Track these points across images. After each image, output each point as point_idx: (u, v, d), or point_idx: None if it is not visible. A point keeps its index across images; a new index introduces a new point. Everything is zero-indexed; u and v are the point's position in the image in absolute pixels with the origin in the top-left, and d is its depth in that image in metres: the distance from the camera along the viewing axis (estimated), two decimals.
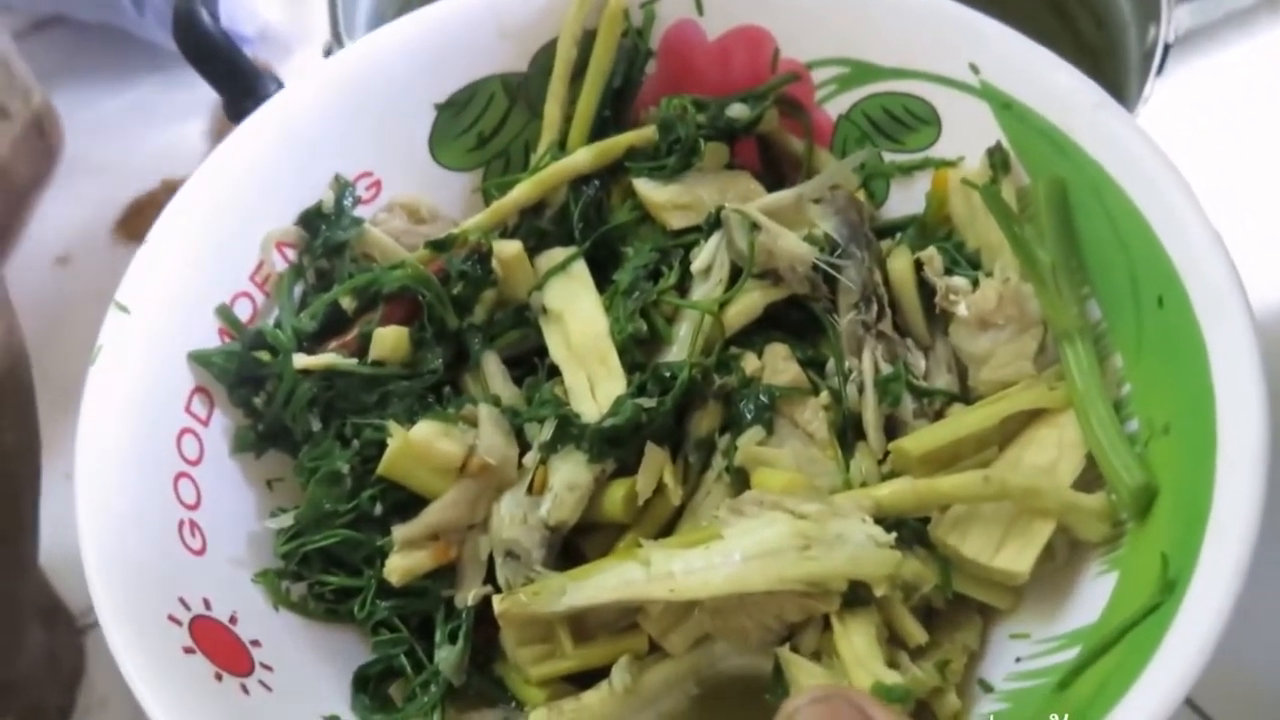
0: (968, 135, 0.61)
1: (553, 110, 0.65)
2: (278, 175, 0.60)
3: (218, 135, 1.02)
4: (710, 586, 0.50)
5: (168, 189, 0.95)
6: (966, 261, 0.60)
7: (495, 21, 0.64)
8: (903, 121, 0.63)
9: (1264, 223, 0.92)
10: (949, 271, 0.59)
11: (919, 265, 0.60)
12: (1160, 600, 0.47)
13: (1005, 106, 0.59)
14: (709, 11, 0.64)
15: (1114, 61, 0.80)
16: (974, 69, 0.60)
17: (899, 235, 0.63)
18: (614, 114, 0.65)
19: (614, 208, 0.64)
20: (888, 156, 0.64)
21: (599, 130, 0.65)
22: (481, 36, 0.64)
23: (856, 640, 0.50)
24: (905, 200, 0.64)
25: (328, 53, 0.77)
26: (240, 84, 0.69)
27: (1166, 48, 0.74)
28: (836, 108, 0.65)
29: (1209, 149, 0.75)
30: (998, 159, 0.59)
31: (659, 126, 0.63)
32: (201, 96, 1.00)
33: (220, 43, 0.67)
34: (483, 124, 0.65)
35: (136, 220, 1.01)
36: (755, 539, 0.51)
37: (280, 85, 0.69)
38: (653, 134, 0.63)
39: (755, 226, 0.59)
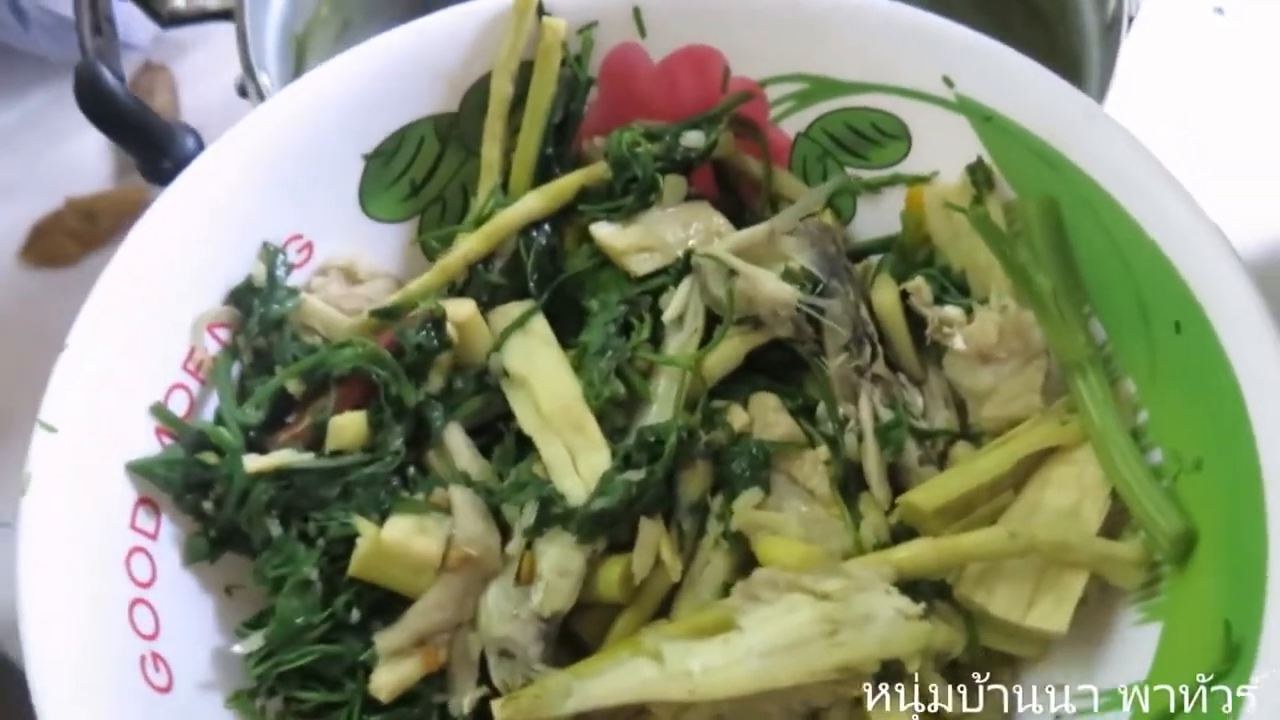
0: (940, 150, 0.56)
1: (491, 151, 0.58)
2: (202, 251, 0.53)
3: (120, 150, 0.92)
4: (734, 685, 0.45)
5: (73, 209, 0.89)
6: (954, 286, 0.55)
7: (421, 62, 0.57)
8: (867, 137, 0.58)
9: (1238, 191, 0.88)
10: (939, 300, 0.54)
11: (904, 294, 0.54)
12: (1226, 668, 0.42)
13: (986, 120, 0.54)
14: (651, 33, 0.58)
15: (1066, 29, 0.75)
16: (948, 82, 0.54)
17: (878, 260, 0.57)
18: (556, 150, 0.58)
19: (569, 253, 0.57)
20: (852, 173, 0.58)
21: (543, 169, 0.58)
22: (407, 79, 0.57)
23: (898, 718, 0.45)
24: (874, 218, 0.59)
25: (241, 90, 0.68)
26: (154, 144, 0.61)
27: (1130, 20, 0.68)
28: (794, 125, 0.59)
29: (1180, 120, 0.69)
30: (981, 176, 0.54)
31: (612, 163, 0.56)
32: None
33: (128, 104, 0.59)
34: (414, 170, 0.58)
35: (43, 243, 0.91)
36: (778, 629, 0.45)
37: (196, 137, 0.62)
38: (604, 171, 0.56)
39: (731, 272, 0.52)
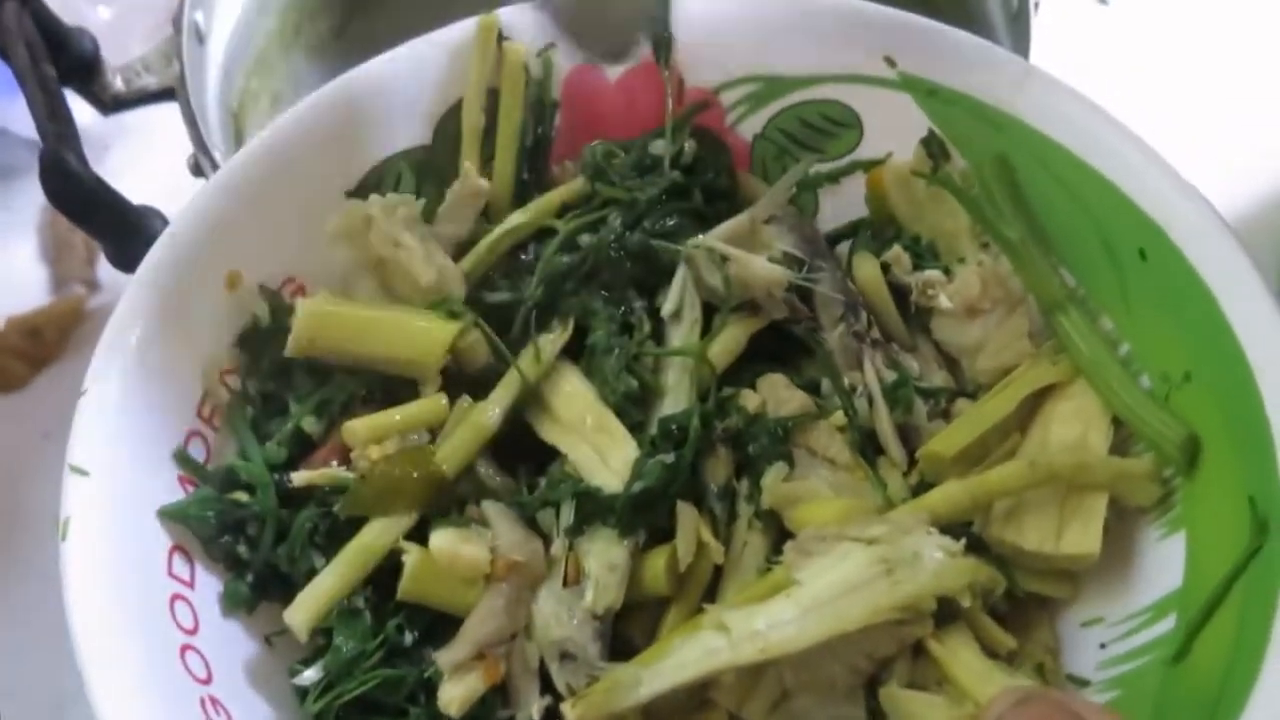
0: (891, 131, 0.57)
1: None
2: (200, 294, 0.52)
3: (54, 259, 0.88)
4: (807, 635, 0.44)
5: (15, 329, 0.84)
6: (927, 254, 0.56)
7: (392, 95, 0.56)
8: (821, 130, 0.59)
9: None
10: (917, 267, 0.55)
11: (885, 268, 0.55)
12: (1259, 543, 0.44)
13: (930, 94, 0.56)
14: None
15: (964, 16, 0.76)
16: (890, 62, 0.56)
17: (850, 243, 0.58)
18: (531, 175, 0.58)
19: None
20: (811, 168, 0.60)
21: (520, 194, 0.58)
22: (380, 114, 0.56)
23: (965, 656, 0.46)
24: (837, 208, 0.60)
25: (195, 168, 0.67)
26: (124, 229, 0.59)
27: (1036, 6, 0.71)
28: (750, 128, 0.60)
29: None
30: (935, 147, 0.56)
31: (588, 176, 0.56)
32: (25, 214, 0.90)
33: (95, 189, 0.57)
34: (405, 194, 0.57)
35: None
36: (837, 575, 0.45)
37: (164, 219, 0.60)
38: (582, 185, 0.56)
39: (723, 259, 0.53)
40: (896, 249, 0.55)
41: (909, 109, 0.56)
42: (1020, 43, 0.72)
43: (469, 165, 0.56)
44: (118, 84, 0.71)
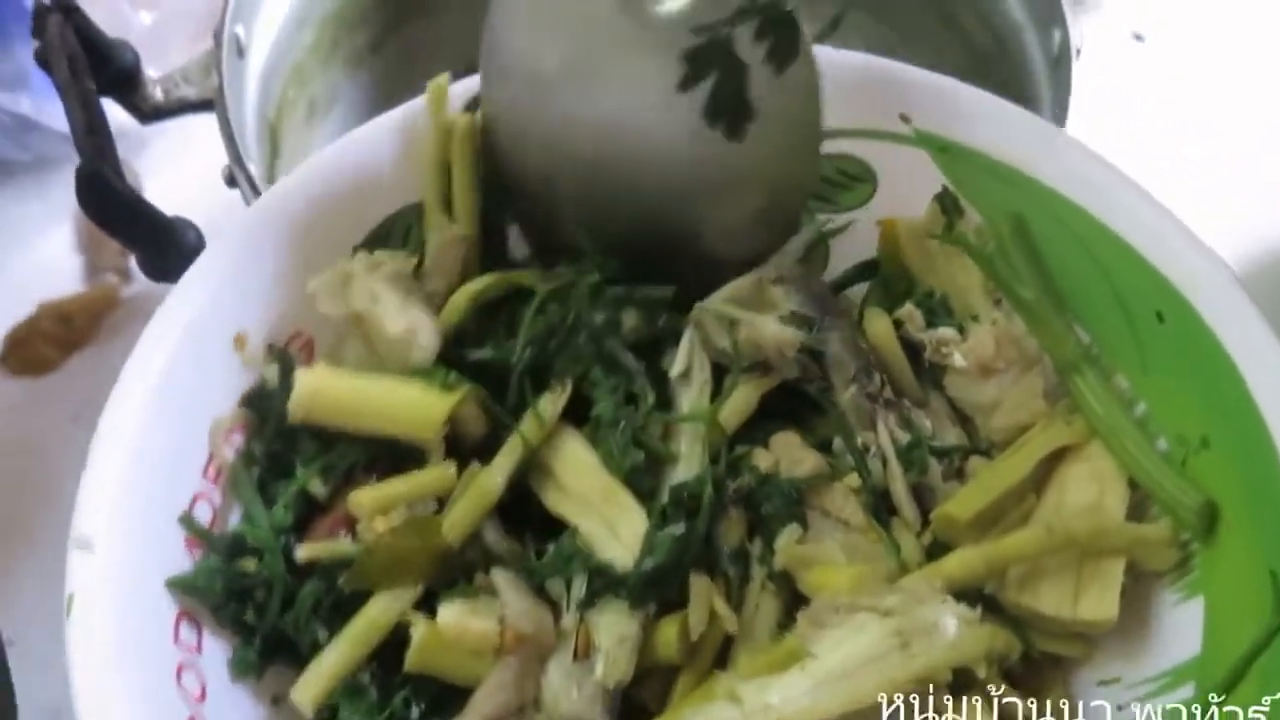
0: (906, 185, 0.57)
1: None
2: (209, 355, 0.51)
3: (88, 249, 0.89)
4: (820, 709, 0.44)
5: (48, 314, 0.85)
6: (940, 310, 0.55)
7: (402, 150, 0.55)
8: (835, 182, 0.58)
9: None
10: (930, 324, 0.54)
11: (897, 324, 0.55)
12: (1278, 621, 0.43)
13: (943, 150, 0.55)
14: None
15: (1009, 65, 0.77)
16: (905, 119, 0.56)
17: (862, 294, 0.58)
18: (493, 238, 0.57)
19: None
20: (823, 218, 0.59)
21: (487, 256, 0.57)
22: (391, 166, 0.55)
23: None
24: (846, 253, 0.59)
25: (230, 180, 0.67)
26: (157, 241, 0.59)
27: (1078, 52, 0.70)
28: None
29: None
30: (949, 203, 0.55)
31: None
32: (60, 204, 0.91)
33: (130, 202, 0.57)
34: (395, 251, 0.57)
35: (20, 354, 0.86)
36: (852, 649, 0.45)
37: (196, 231, 0.60)
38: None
39: (732, 322, 0.52)
40: (909, 307, 0.54)
41: (924, 164, 0.56)
42: (1060, 88, 0.72)
43: (439, 216, 0.55)
44: (157, 95, 0.71)
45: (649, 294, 0.53)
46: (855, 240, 0.59)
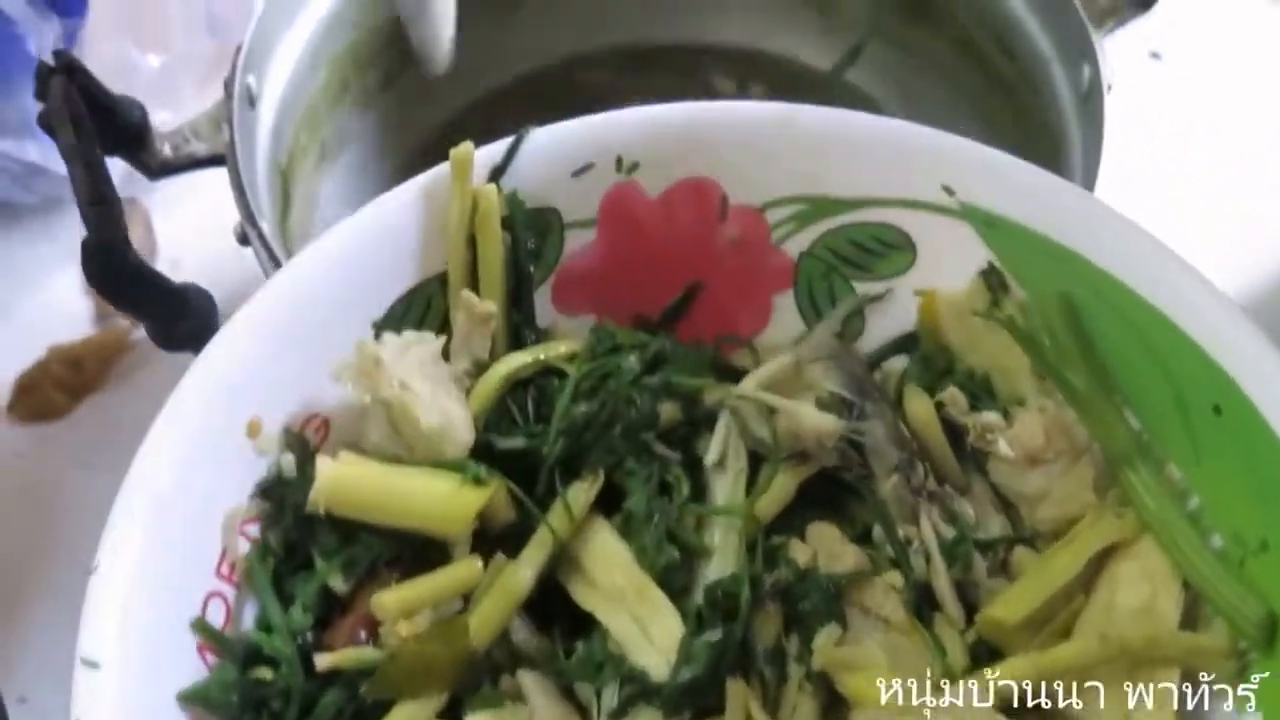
0: (948, 256, 0.55)
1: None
2: (223, 445, 0.49)
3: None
4: None
5: (57, 358, 0.83)
6: (983, 391, 0.53)
7: (423, 221, 0.53)
8: (872, 250, 0.56)
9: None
10: (973, 407, 0.52)
11: (938, 405, 0.53)
12: None
13: (989, 224, 0.53)
14: (646, 170, 0.55)
15: (1037, 98, 0.75)
16: (948, 190, 0.53)
17: (900, 370, 0.55)
18: (520, 313, 0.55)
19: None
20: (859, 287, 0.57)
21: (515, 335, 0.55)
22: (411, 239, 0.53)
23: None
24: (883, 324, 0.57)
25: (242, 238, 0.65)
26: (168, 311, 0.57)
27: (1109, 88, 0.68)
28: (796, 245, 0.57)
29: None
30: (994, 280, 0.53)
31: (595, 339, 0.54)
32: (68, 246, 0.89)
33: (139, 274, 0.55)
34: (425, 330, 0.54)
35: (29, 400, 0.85)
36: None
37: (208, 297, 0.57)
38: (579, 346, 0.54)
39: (770, 409, 0.50)
40: (952, 390, 0.52)
41: (967, 237, 0.54)
42: (1092, 126, 0.70)
43: (467, 293, 0.53)
44: (166, 151, 0.69)
45: (689, 384, 0.51)
46: (892, 310, 0.57)
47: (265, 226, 0.66)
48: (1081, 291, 0.51)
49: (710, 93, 0.94)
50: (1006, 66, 0.80)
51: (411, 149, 0.88)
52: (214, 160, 0.68)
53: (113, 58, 0.88)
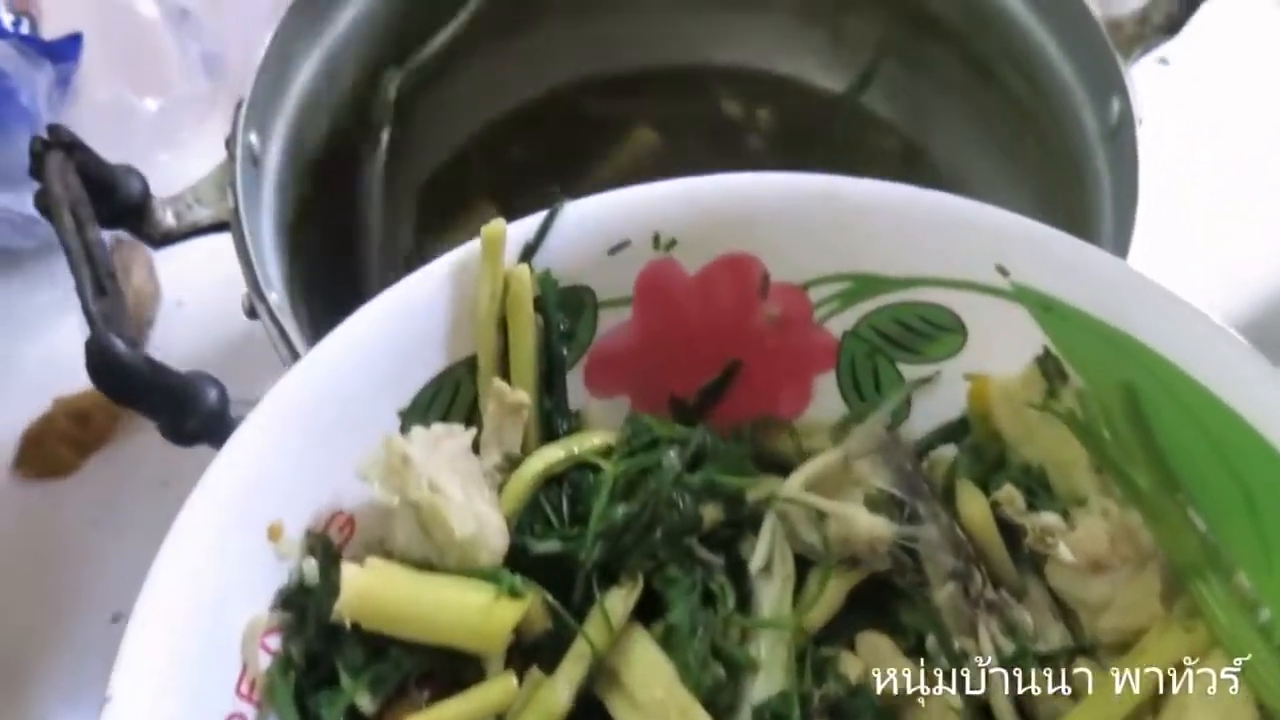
0: (1000, 340, 0.52)
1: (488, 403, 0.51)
2: (243, 551, 0.46)
3: None
4: None
5: (63, 412, 0.81)
6: (1038, 486, 0.51)
7: (448, 305, 0.51)
8: (920, 331, 0.53)
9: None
10: (1030, 505, 0.49)
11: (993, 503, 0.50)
12: None
13: (1046, 308, 0.50)
14: (685, 247, 0.53)
15: (1059, 127, 0.72)
16: (1002, 271, 0.50)
17: (950, 459, 0.53)
18: (551, 398, 0.53)
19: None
20: (905, 369, 0.54)
21: (545, 420, 0.52)
22: (436, 325, 0.51)
23: None
24: (930, 408, 0.54)
25: (250, 312, 0.63)
26: (176, 406, 0.54)
27: (1140, 122, 0.65)
28: (840, 324, 0.54)
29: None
30: (1051, 368, 0.50)
31: (631, 432, 0.52)
32: (69, 291, 0.85)
33: (145, 372, 0.52)
34: (451, 417, 0.52)
35: (36, 455, 0.82)
36: None
37: (219, 387, 0.55)
38: (615, 438, 0.52)
39: (821, 515, 0.48)
40: (1009, 489, 0.49)
41: (1021, 320, 0.51)
42: (1123, 163, 0.67)
43: (499, 383, 0.50)
44: (168, 219, 0.66)
45: (733, 484, 0.48)
46: (939, 393, 0.54)
47: (273, 298, 0.63)
48: (1143, 381, 0.48)
49: (718, 116, 0.92)
50: (1026, 92, 0.78)
51: (418, 185, 0.86)
52: (218, 226, 0.65)
53: (109, 102, 0.85)
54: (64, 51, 0.87)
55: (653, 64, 0.90)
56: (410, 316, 0.50)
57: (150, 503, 0.82)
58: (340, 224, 0.80)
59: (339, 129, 0.78)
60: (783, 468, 0.52)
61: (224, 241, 0.67)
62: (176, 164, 0.93)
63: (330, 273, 0.78)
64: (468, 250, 0.50)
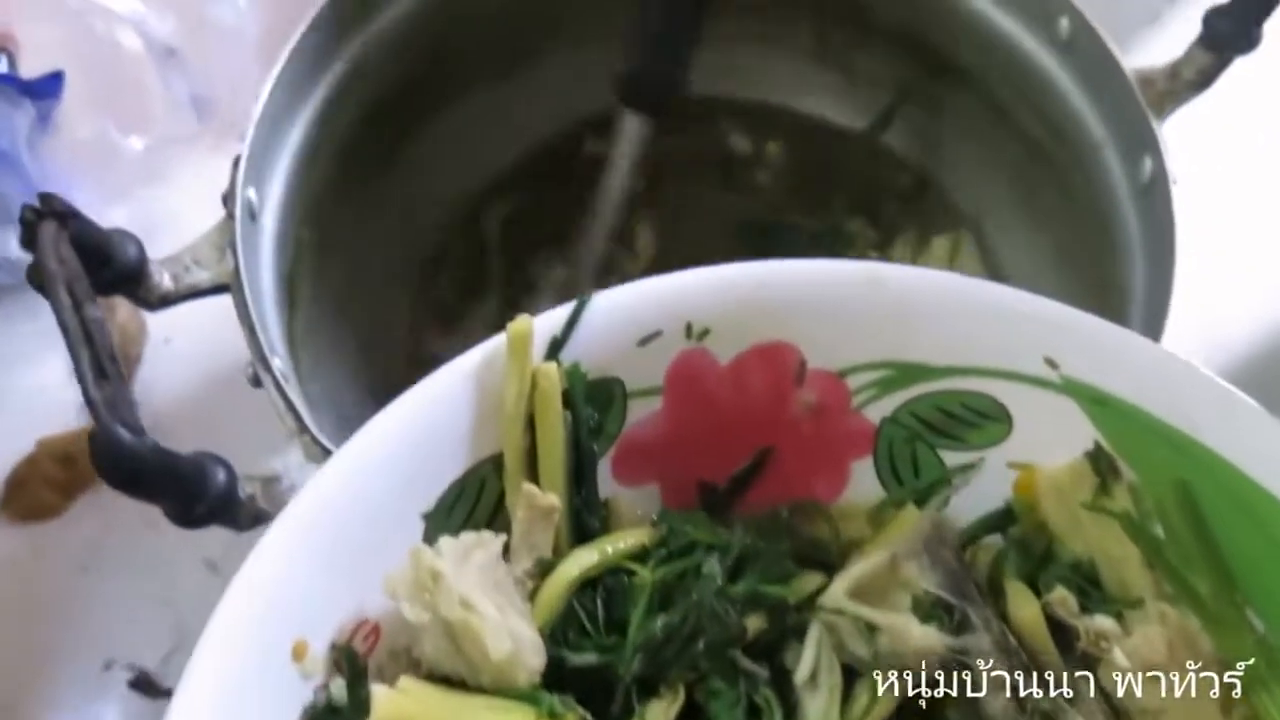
0: (1048, 430, 0.50)
1: (517, 504, 0.49)
2: (267, 674, 0.44)
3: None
4: None
5: (47, 453, 0.79)
6: (1087, 581, 0.49)
7: (470, 403, 0.48)
8: (962, 419, 0.52)
9: None
10: (1083, 607, 0.48)
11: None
12: None
13: (1097, 403, 0.48)
14: (718, 337, 0.51)
15: (1086, 180, 0.71)
16: (1051, 363, 0.49)
17: (993, 551, 0.51)
18: (581, 495, 0.50)
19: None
20: (946, 455, 0.52)
21: (578, 524, 0.50)
22: (458, 425, 0.48)
23: None
24: (970, 498, 0.53)
25: (254, 380, 0.61)
26: (186, 493, 0.52)
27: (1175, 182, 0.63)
28: (879, 411, 0.52)
29: None
30: (1104, 464, 0.48)
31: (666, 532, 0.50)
32: (51, 325, 0.83)
33: (152, 462, 0.50)
34: (477, 516, 0.50)
35: (20, 498, 0.80)
36: None
37: (227, 468, 0.53)
38: (649, 537, 0.50)
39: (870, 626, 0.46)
40: (1061, 592, 0.48)
41: (1070, 412, 0.49)
42: (1155, 221, 0.66)
43: (529, 487, 0.48)
44: (165, 282, 0.63)
45: (778, 594, 0.47)
46: (984, 482, 0.52)
47: (277, 364, 0.61)
48: (1200, 478, 0.47)
49: (724, 151, 0.90)
50: (1049, 142, 0.76)
51: (416, 228, 0.84)
52: (218, 289, 0.63)
53: (91, 140, 0.82)
54: (44, 90, 0.84)
55: None
56: (434, 418, 0.48)
57: (139, 545, 0.80)
58: (337, 266, 0.78)
59: (336, 174, 0.76)
60: (824, 562, 0.51)
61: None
62: (161, 201, 0.91)
63: (327, 317, 0.76)
64: (493, 346, 0.48)
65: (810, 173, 0.87)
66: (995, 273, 0.83)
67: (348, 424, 0.75)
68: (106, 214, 0.89)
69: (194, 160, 0.89)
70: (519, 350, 0.48)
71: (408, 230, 0.83)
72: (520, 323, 0.48)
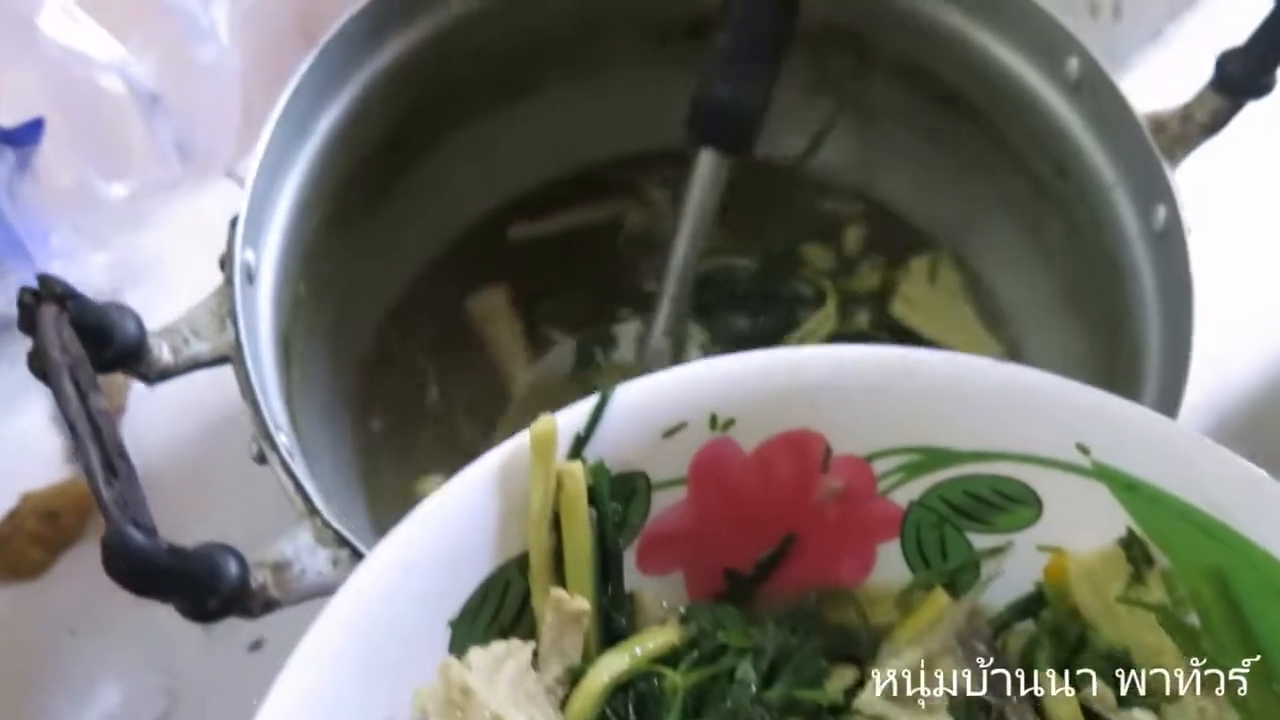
0: (1079, 515, 0.49)
1: (544, 607, 0.48)
2: None
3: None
4: None
5: (31, 509, 0.77)
6: (1123, 670, 0.48)
7: (492, 507, 0.47)
8: (991, 503, 0.51)
9: None
10: (1120, 699, 0.47)
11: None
12: None
13: (1129, 489, 0.48)
14: (743, 426, 0.49)
15: (1094, 221, 0.70)
16: (1082, 449, 0.48)
17: (1025, 640, 0.51)
18: (609, 594, 0.49)
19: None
20: (974, 538, 0.52)
21: (606, 624, 0.49)
22: (487, 527, 0.47)
23: None
24: (1000, 580, 0.52)
25: (260, 458, 0.59)
26: (199, 589, 0.51)
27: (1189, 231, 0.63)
28: (906, 495, 0.51)
29: None
30: (1137, 551, 0.48)
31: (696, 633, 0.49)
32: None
33: (163, 560, 0.48)
34: (502, 617, 0.49)
35: (4, 553, 0.78)
36: None
37: (237, 557, 0.52)
38: (678, 636, 0.49)
39: None
40: (1100, 687, 0.47)
41: (1102, 497, 0.48)
42: (1170, 270, 0.65)
43: (557, 591, 0.47)
44: (165, 356, 0.61)
45: (814, 698, 0.46)
46: (1013, 566, 0.51)
47: (282, 440, 0.59)
48: (1235, 566, 0.46)
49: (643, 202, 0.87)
50: (1055, 179, 0.75)
51: (411, 272, 0.82)
52: (218, 360, 0.61)
53: (73, 187, 0.80)
54: (24, 137, 0.82)
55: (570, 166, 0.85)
56: (458, 525, 0.46)
57: (128, 605, 0.78)
58: (328, 314, 0.77)
59: (332, 220, 0.74)
60: (853, 655, 0.50)
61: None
62: (144, 247, 0.89)
63: (322, 369, 0.75)
64: (515, 448, 0.47)
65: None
66: (989, 304, 0.82)
67: (341, 475, 0.75)
68: (88, 260, 0.87)
69: (176, 203, 0.87)
70: (543, 453, 0.46)
71: (404, 270, 0.81)
72: (544, 424, 0.46)
